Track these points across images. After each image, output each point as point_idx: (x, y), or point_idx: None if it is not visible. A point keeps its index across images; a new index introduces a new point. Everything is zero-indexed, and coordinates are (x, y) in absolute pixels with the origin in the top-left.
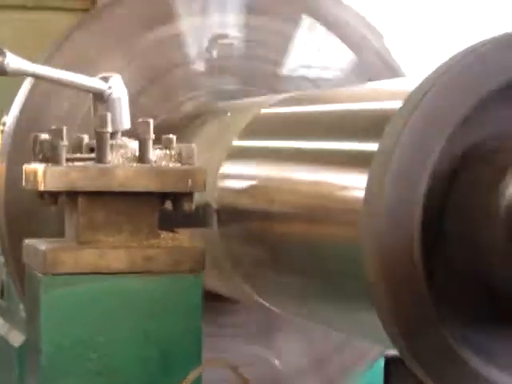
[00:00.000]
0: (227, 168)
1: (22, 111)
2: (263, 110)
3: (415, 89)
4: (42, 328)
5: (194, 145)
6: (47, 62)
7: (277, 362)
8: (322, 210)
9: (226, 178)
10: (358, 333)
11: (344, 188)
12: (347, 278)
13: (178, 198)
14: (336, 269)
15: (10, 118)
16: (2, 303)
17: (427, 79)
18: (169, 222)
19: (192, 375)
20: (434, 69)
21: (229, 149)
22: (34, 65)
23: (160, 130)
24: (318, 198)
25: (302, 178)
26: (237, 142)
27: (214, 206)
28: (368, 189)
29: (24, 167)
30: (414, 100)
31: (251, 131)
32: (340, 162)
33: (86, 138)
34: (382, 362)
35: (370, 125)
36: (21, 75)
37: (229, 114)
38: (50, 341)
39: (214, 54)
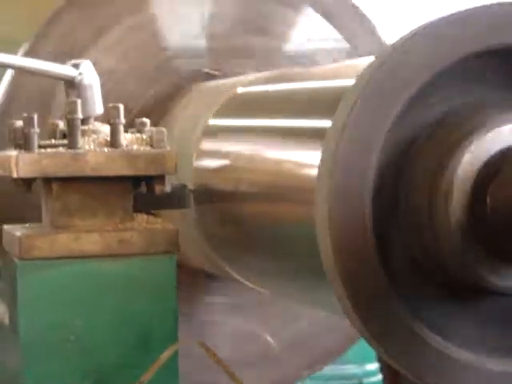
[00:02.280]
0: (202, 148)
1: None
2: (239, 89)
3: (367, 66)
4: (20, 312)
5: (164, 128)
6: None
7: (268, 337)
8: (280, 189)
9: (200, 158)
10: (317, 307)
11: (301, 166)
12: (306, 255)
13: (150, 181)
14: (296, 247)
15: None
16: None
17: (379, 56)
18: (146, 205)
19: (167, 353)
20: (387, 46)
21: (204, 128)
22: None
23: (143, 113)
24: (277, 176)
25: (265, 157)
26: (212, 121)
27: (190, 186)
28: (319, 167)
29: None
30: (365, 77)
31: (226, 110)
32: (298, 139)
33: (60, 125)
34: None
35: (329, 102)
36: None
37: (205, 93)
38: (27, 324)
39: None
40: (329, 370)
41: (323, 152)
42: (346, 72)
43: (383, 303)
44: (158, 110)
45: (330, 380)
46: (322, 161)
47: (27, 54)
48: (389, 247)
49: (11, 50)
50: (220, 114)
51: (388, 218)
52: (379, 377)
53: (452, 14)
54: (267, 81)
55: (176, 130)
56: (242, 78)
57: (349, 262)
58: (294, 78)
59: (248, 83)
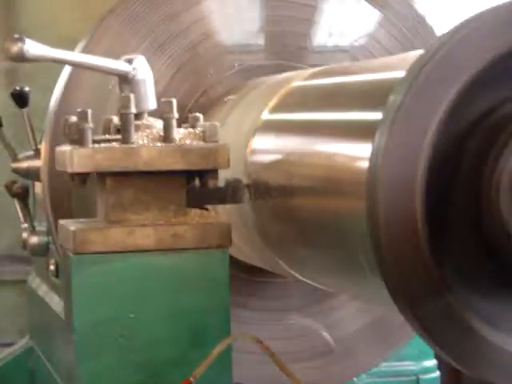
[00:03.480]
0: (256, 142)
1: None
2: (294, 84)
3: (417, 58)
4: (74, 306)
5: (217, 123)
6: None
7: (326, 334)
8: (332, 183)
9: (254, 153)
10: (372, 301)
11: (352, 159)
12: (358, 249)
13: (203, 175)
14: (348, 241)
15: (53, 100)
16: (57, 282)
17: (429, 48)
18: (200, 199)
19: (219, 347)
20: (438, 37)
21: (258, 123)
22: (54, 50)
23: (195, 109)
24: (329, 170)
25: (317, 151)
26: (265, 116)
27: (245, 180)
28: (370, 159)
29: (56, 149)
30: (416, 68)
31: (280, 105)
32: (350, 132)
33: (114, 120)
34: None
35: (380, 94)
36: (41, 61)
37: (259, 89)
38: (81, 318)
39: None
40: (385, 366)
41: (374, 144)
42: (398, 65)
43: (435, 297)
44: (213, 104)
45: (386, 376)
46: (372, 153)
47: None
48: (441, 239)
49: (71, 48)
50: (274, 108)
51: (440, 209)
52: (437, 373)
53: (497, 7)
54: (321, 75)
55: (230, 124)
56: (296, 72)
57: (400, 256)
58: (346, 72)
59: (302, 78)
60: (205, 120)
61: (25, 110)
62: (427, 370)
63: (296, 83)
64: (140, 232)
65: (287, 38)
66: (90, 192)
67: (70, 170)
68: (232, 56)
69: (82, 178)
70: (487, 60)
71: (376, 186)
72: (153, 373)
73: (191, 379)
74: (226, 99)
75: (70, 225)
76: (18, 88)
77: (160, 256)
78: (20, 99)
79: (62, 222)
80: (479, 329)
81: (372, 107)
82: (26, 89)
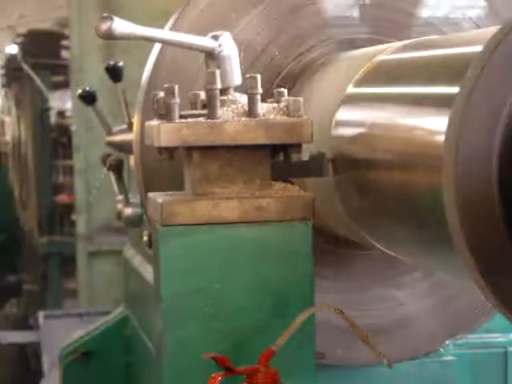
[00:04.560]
0: (340, 116)
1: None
2: (379, 58)
3: (495, 33)
4: (161, 276)
5: (301, 98)
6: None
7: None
8: (411, 157)
9: (338, 127)
10: (450, 274)
11: (430, 133)
12: (436, 223)
13: (287, 149)
14: (427, 215)
15: (144, 74)
16: (150, 252)
17: (505, 24)
18: (284, 173)
19: (302, 316)
20: None
21: (343, 97)
22: (142, 27)
23: (285, 80)
24: (408, 144)
25: (398, 125)
26: (350, 90)
27: (329, 154)
28: (446, 132)
29: (146, 124)
30: (494, 42)
31: (364, 79)
32: (428, 106)
33: (201, 95)
34: None
35: (459, 68)
36: (129, 39)
37: (345, 63)
38: (168, 288)
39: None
40: (473, 338)
41: (450, 118)
42: (481, 38)
43: (509, 266)
44: (301, 77)
45: (474, 348)
46: (448, 126)
47: (173, 27)
48: None
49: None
50: (359, 82)
51: None
52: None
53: None
54: (406, 49)
55: (315, 98)
56: (383, 46)
57: (475, 229)
58: (430, 46)
59: (388, 52)
60: (292, 93)
61: (119, 85)
62: None
63: (381, 57)
64: (225, 205)
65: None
66: (180, 165)
67: (157, 144)
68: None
69: (170, 152)
70: None
71: (451, 160)
72: (237, 341)
73: (274, 348)
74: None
75: (157, 197)
76: (112, 63)
77: (244, 228)
78: (114, 74)
79: (150, 194)
80: None
81: (451, 81)
82: (120, 63)
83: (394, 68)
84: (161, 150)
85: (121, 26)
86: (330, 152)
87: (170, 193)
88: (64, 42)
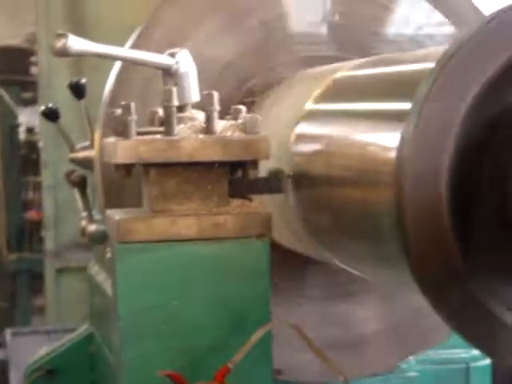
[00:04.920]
0: (298, 132)
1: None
2: (338, 74)
3: (446, 49)
4: (119, 293)
5: (258, 115)
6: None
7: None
8: (365, 173)
9: (297, 143)
10: (403, 287)
11: (383, 149)
12: (389, 239)
13: (244, 166)
14: (378, 231)
15: (106, 91)
16: None
17: (457, 38)
18: (242, 189)
19: (258, 333)
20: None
21: (301, 113)
22: (98, 45)
23: (246, 96)
24: (363, 160)
25: (354, 141)
26: (310, 106)
27: (288, 171)
28: (398, 149)
29: (103, 141)
30: (443, 60)
31: (323, 95)
32: (382, 122)
33: (159, 112)
34: None
35: (412, 85)
36: (84, 55)
37: (305, 80)
38: (125, 305)
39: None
40: (436, 353)
41: (402, 134)
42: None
43: (459, 284)
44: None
45: (437, 364)
46: (400, 143)
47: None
48: (465, 227)
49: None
50: (318, 99)
51: (466, 198)
52: (487, 361)
53: None
54: (365, 66)
55: (276, 114)
56: (343, 64)
57: (425, 244)
58: (388, 63)
59: (347, 69)
60: (253, 109)
61: (82, 102)
62: (478, 358)
63: (340, 74)
64: (183, 221)
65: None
66: (138, 183)
67: (114, 161)
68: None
69: (127, 168)
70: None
71: (402, 176)
72: (194, 358)
73: (229, 365)
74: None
75: (115, 214)
76: (74, 80)
77: (202, 245)
78: (77, 91)
79: (108, 211)
80: (502, 315)
81: (404, 98)
82: (83, 80)
83: (352, 85)
84: (118, 166)
85: (76, 43)
86: (289, 168)
87: (128, 210)
88: (33, 59)
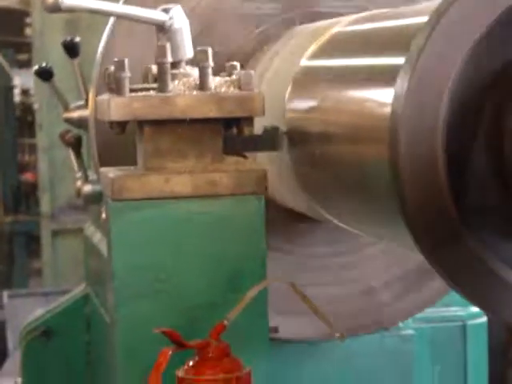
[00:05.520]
0: (294, 90)
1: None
2: (333, 30)
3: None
4: (113, 251)
5: (252, 71)
6: None
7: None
8: (359, 129)
9: (292, 100)
10: (399, 245)
11: (377, 105)
12: (385, 195)
13: (239, 123)
14: (376, 188)
15: (99, 49)
16: None
17: None
18: (237, 147)
19: (253, 290)
20: None
21: (296, 70)
22: (90, 0)
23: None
24: (358, 116)
25: (349, 98)
26: (304, 63)
27: (283, 128)
28: (392, 104)
29: (97, 99)
30: (438, 13)
31: (318, 52)
32: (377, 78)
33: (153, 69)
34: None
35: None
36: (75, 11)
37: (298, 37)
38: (120, 263)
39: None
40: (432, 312)
41: (396, 89)
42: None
43: (457, 240)
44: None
45: (433, 322)
46: (394, 98)
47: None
48: (462, 183)
49: None
50: (313, 55)
51: (461, 154)
52: (484, 319)
53: None
54: (360, 22)
55: (270, 72)
56: (338, 19)
57: (422, 201)
58: (384, 18)
59: (343, 25)
60: (247, 66)
61: (76, 61)
62: (474, 315)
63: (335, 29)
64: (177, 179)
65: None
66: (134, 140)
67: (107, 119)
68: None
69: (121, 126)
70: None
71: (397, 132)
72: (189, 316)
73: (225, 322)
74: (265, 48)
75: (109, 172)
76: (68, 38)
77: (196, 202)
78: (71, 49)
79: (102, 169)
80: (500, 270)
81: (401, 52)
82: (77, 39)
83: (347, 41)
84: (112, 124)
85: None
86: (285, 126)
87: (122, 168)
88: (28, 20)
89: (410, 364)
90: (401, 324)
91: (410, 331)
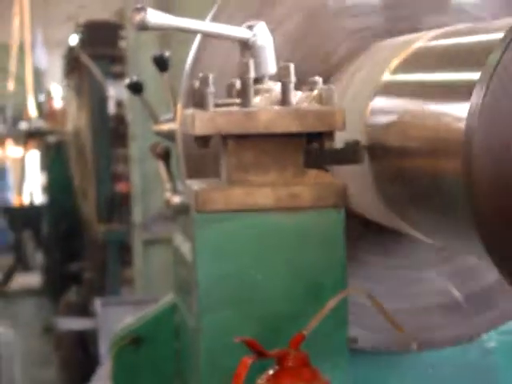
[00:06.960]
0: (375, 104)
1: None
2: (416, 45)
3: None
4: (198, 261)
5: (333, 86)
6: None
7: (455, 290)
8: (437, 144)
9: (373, 114)
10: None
11: (455, 119)
12: (464, 210)
13: (320, 137)
14: (454, 202)
15: (187, 63)
16: None
17: None
18: (318, 160)
19: (332, 301)
20: None
21: (378, 85)
22: (175, 18)
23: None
24: (436, 131)
25: (428, 112)
26: (387, 77)
27: (364, 142)
28: (467, 119)
29: (183, 113)
30: None
31: (401, 66)
32: (455, 92)
33: (237, 84)
34: None
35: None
36: (163, 29)
37: (380, 53)
38: (204, 273)
39: None
40: None
41: (471, 104)
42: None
43: None
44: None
45: None
46: (469, 113)
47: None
48: None
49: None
50: (395, 70)
51: None
52: None
53: None
54: (444, 36)
55: (353, 86)
56: (420, 34)
57: (495, 214)
58: (467, 33)
59: (425, 39)
60: (330, 81)
61: (165, 75)
62: None
63: (418, 44)
64: (259, 192)
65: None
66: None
67: (192, 133)
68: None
69: (204, 140)
70: None
71: (471, 148)
72: (270, 326)
73: (304, 332)
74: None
75: (193, 185)
76: (158, 53)
77: (278, 215)
78: (161, 64)
79: (187, 182)
80: None
81: (476, 67)
82: (167, 54)
83: (427, 56)
84: (197, 138)
85: (154, 16)
86: (366, 139)
87: (206, 180)
88: (122, 33)
89: (494, 377)
90: (484, 337)
91: (494, 344)
